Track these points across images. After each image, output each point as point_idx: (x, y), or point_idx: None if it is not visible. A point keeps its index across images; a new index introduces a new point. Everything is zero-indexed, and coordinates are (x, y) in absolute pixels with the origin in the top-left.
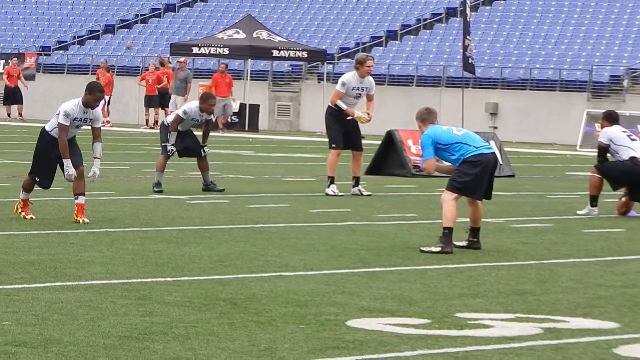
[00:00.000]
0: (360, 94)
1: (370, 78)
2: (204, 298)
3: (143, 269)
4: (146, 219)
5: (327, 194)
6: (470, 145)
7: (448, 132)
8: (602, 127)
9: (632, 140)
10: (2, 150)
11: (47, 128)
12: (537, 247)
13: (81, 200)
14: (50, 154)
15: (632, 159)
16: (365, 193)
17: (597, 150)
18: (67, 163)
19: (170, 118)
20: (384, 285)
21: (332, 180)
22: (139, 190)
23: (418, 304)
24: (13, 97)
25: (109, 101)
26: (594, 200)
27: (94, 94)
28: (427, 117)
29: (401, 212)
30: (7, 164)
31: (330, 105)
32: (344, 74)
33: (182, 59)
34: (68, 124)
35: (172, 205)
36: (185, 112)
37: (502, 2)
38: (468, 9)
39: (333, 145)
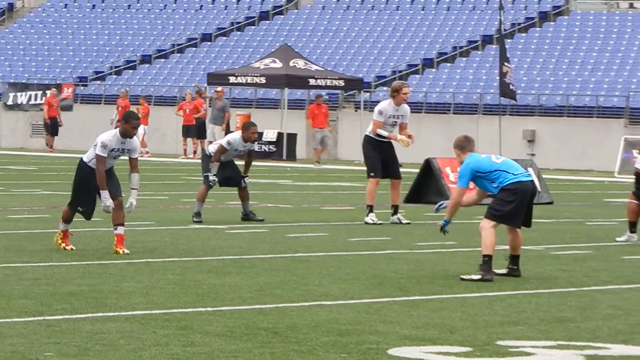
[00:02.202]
0: (396, 122)
1: (406, 106)
2: (245, 328)
3: (184, 299)
4: (186, 249)
5: (366, 223)
6: (509, 173)
7: (487, 160)
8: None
9: None
10: (42, 181)
11: (85, 159)
12: (577, 274)
13: (120, 230)
14: (90, 185)
15: None
16: (404, 221)
17: (634, 176)
18: (105, 194)
19: (212, 148)
20: (424, 314)
21: (371, 208)
22: (178, 220)
23: (459, 332)
24: (53, 128)
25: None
26: (632, 227)
27: (130, 123)
28: (465, 145)
29: (441, 240)
30: (47, 195)
31: (368, 134)
32: (380, 102)
33: (219, 88)
34: (106, 155)
35: (211, 235)
36: (229, 143)
37: (538, 28)
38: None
39: (372, 174)
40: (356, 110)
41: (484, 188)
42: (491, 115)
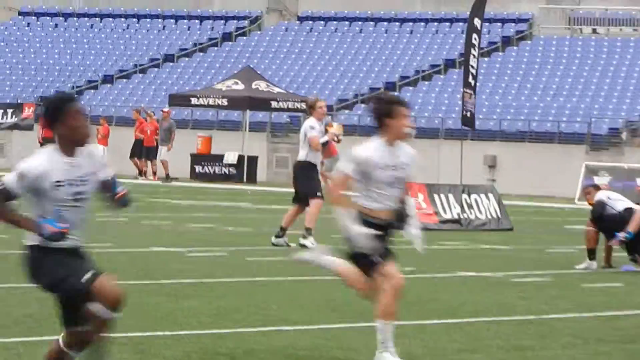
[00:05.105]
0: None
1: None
2: (203, 353)
3: (141, 323)
4: (145, 271)
5: (305, 245)
6: None
7: None
8: (590, 197)
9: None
10: None
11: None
12: (537, 302)
13: None
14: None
15: (628, 209)
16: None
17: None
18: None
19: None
20: None
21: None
22: (137, 242)
23: None
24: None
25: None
26: (591, 254)
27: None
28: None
29: (399, 266)
30: None
31: (302, 160)
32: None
33: (166, 109)
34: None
35: (171, 258)
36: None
37: (500, 53)
38: (474, 61)
39: (318, 194)
40: None
41: None
42: (452, 140)
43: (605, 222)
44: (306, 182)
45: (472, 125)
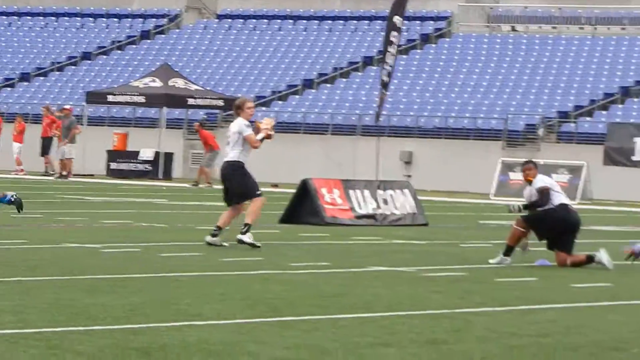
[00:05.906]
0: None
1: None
2: (116, 347)
3: (55, 318)
4: (59, 267)
5: (242, 242)
6: None
7: None
8: (532, 174)
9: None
10: None
11: None
12: (451, 296)
13: None
14: None
15: (563, 205)
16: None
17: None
18: None
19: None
20: (296, 334)
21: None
22: (52, 239)
23: (330, 354)
24: None
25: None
26: (509, 251)
27: None
28: None
29: (314, 261)
30: None
31: (238, 160)
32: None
33: (67, 106)
34: None
35: (85, 254)
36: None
37: (418, 51)
38: (392, 58)
39: (258, 192)
40: None
41: None
42: (369, 136)
43: (538, 214)
44: (243, 182)
45: (376, 121)
